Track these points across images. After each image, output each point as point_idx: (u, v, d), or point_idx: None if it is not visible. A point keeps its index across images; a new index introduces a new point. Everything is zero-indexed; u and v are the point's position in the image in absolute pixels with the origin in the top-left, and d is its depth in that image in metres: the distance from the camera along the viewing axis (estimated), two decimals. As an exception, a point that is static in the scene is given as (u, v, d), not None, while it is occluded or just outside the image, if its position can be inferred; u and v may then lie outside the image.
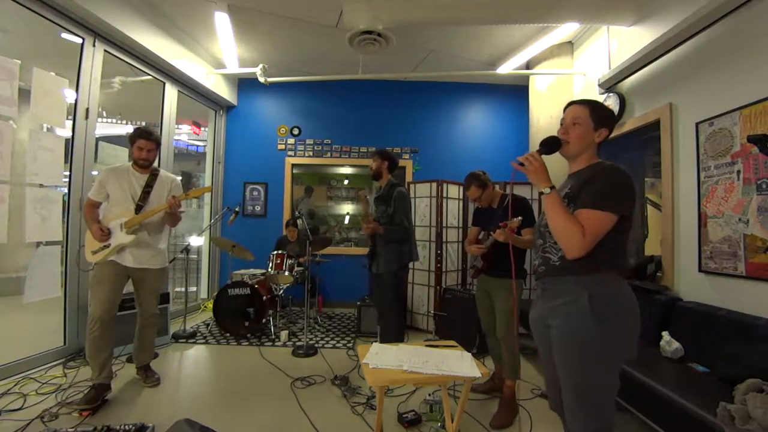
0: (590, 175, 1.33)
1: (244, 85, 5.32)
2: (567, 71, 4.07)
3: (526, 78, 4.43)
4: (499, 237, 2.14)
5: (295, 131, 5.28)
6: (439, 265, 4.07)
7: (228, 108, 5.33)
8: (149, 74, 3.92)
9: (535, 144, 4.21)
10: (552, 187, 1.33)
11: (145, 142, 2.48)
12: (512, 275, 2.34)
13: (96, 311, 2.33)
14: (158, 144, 2.58)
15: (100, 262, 2.41)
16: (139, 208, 2.46)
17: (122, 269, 2.46)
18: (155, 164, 2.65)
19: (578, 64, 4.05)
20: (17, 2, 2.60)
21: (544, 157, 1.41)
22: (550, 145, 1.42)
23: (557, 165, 1.73)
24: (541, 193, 1.36)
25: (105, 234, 2.39)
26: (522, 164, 1.38)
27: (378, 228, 2.79)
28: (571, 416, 1.31)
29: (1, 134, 2.43)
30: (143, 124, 6.48)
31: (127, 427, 1.91)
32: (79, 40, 3.11)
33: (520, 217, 2.09)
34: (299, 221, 4.49)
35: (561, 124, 1.45)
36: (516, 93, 4.98)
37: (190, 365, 3.08)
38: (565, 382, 1.31)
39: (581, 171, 1.41)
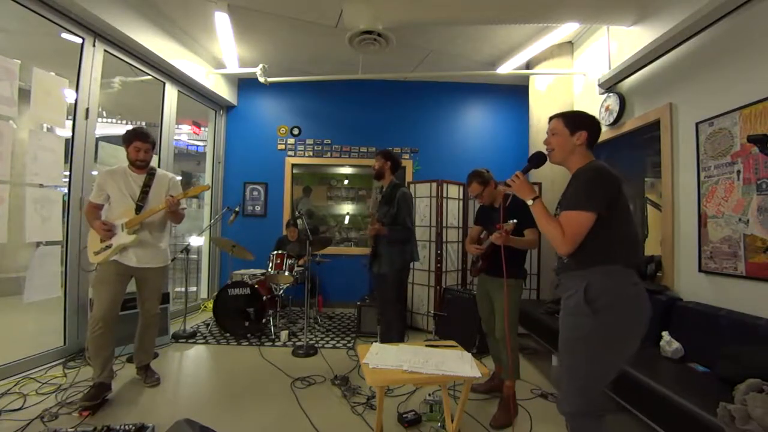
0: (570, 181, 1.50)
1: (244, 85, 5.32)
2: (567, 71, 4.08)
3: (526, 78, 4.44)
4: (497, 241, 2.14)
5: (295, 131, 5.28)
6: (439, 265, 4.07)
7: (228, 108, 5.33)
8: (149, 74, 3.92)
9: (535, 144, 4.23)
10: (535, 198, 1.52)
11: (141, 143, 2.48)
12: (512, 275, 2.37)
13: (99, 310, 2.33)
14: (154, 144, 2.58)
15: (103, 262, 2.41)
16: (139, 208, 2.46)
17: (125, 269, 2.46)
18: (151, 163, 2.64)
19: (578, 64, 4.05)
20: (17, 2, 2.60)
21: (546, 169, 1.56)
22: (537, 159, 1.65)
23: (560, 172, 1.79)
24: (528, 204, 1.54)
25: (109, 230, 2.39)
26: (509, 185, 1.60)
27: (382, 229, 2.80)
28: (560, 396, 1.49)
29: (1, 134, 2.43)
30: (143, 124, 6.48)
31: (127, 427, 1.91)
32: (79, 40, 3.11)
33: (514, 220, 2.11)
34: (299, 221, 4.49)
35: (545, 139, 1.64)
36: (516, 93, 4.99)
37: (190, 365, 3.08)
38: (559, 365, 1.51)
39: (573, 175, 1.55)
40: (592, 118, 1.56)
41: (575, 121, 1.54)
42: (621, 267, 1.38)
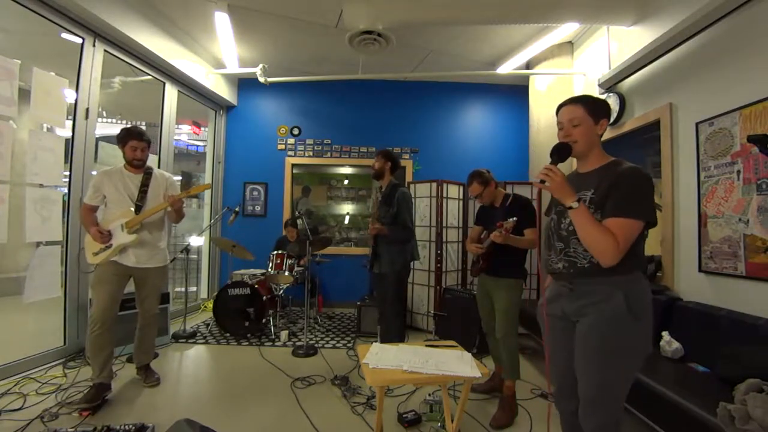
0: (613, 180, 1.30)
1: (244, 85, 5.32)
2: (567, 71, 4.07)
3: (526, 78, 4.43)
4: (496, 239, 2.14)
5: (295, 131, 5.28)
6: (439, 265, 4.07)
7: (228, 108, 5.33)
8: (149, 74, 3.92)
9: (535, 144, 4.22)
10: (579, 200, 1.29)
11: (138, 142, 2.47)
12: (512, 275, 2.37)
13: (97, 311, 2.34)
14: (149, 143, 2.56)
15: (102, 262, 2.41)
16: (138, 208, 2.46)
17: (124, 269, 2.46)
18: (150, 163, 2.64)
19: (578, 64, 4.05)
20: (17, 2, 2.60)
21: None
22: (562, 152, 1.39)
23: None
24: (569, 207, 1.30)
25: (105, 236, 2.38)
26: (543, 181, 1.33)
27: (383, 229, 2.80)
28: (590, 408, 1.34)
29: (1, 134, 2.43)
30: (143, 124, 6.48)
31: (127, 427, 1.91)
32: (79, 40, 3.11)
33: (514, 218, 2.11)
34: (299, 221, 4.49)
35: (560, 128, 1.43)
36: (516, 93, 4.98)
37: (190, 365, 3.08)
38: (591, 377, 1.33)
39: (596, 171, 1.40)
40: (608, 104, 1.44)
41: (597, 108, 1.38)
42: (643, 273, 1.35)
